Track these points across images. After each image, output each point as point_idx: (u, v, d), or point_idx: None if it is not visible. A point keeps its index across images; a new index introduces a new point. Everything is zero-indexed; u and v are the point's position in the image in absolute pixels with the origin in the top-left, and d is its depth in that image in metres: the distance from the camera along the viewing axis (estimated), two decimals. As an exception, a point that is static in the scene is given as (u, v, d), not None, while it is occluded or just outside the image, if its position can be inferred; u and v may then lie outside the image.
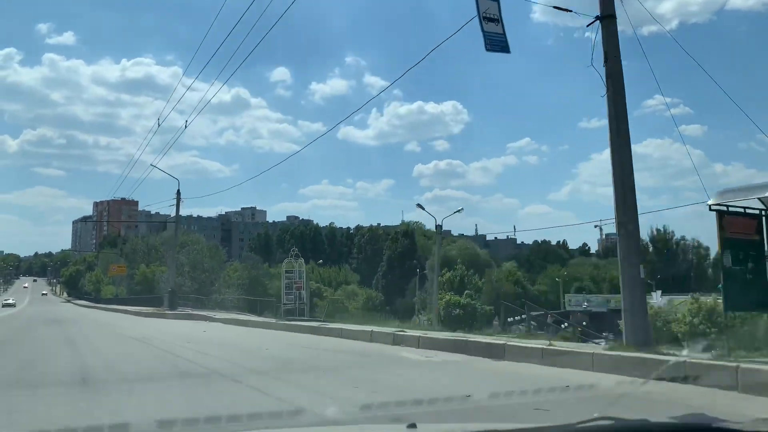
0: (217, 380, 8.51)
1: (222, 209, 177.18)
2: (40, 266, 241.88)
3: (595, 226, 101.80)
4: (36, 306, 68.03)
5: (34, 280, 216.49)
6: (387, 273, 78.97)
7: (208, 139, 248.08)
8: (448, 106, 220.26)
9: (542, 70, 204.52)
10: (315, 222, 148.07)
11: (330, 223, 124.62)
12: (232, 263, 68.53)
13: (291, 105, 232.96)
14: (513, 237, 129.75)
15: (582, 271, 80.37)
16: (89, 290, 79.14)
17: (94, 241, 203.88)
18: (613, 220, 10.48)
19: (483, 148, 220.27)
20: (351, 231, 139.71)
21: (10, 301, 69.40)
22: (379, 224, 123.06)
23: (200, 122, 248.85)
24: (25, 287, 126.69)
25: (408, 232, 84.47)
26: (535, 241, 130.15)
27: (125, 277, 62.96)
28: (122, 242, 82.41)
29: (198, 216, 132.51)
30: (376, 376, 8.94)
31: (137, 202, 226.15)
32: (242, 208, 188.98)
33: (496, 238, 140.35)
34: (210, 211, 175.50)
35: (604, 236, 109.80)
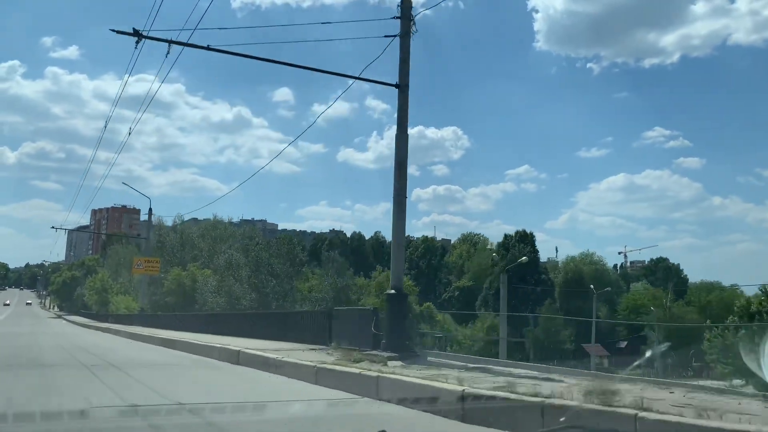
0: None
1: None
2: (30, 277, 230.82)
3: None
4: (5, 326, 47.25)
5: (21, 289, 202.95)
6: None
7: (208, 157, 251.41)
8: (448, 131, 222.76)
9: (543, 98, 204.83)
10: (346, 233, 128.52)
11: (376, 232, 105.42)
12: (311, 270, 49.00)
13: (292, 125, 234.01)
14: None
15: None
16: (90, 302, 58.57)
17: (91, 252, 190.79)
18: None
19: (482, 175, 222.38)
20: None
21: None
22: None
23: (201, 140, 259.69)
24: (6, 304, 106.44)
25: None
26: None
27: (150, 283, 42.66)
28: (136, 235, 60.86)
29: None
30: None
31: (139, 210, 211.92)
32: (253, 219, 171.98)
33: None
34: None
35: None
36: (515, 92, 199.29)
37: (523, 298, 64.74)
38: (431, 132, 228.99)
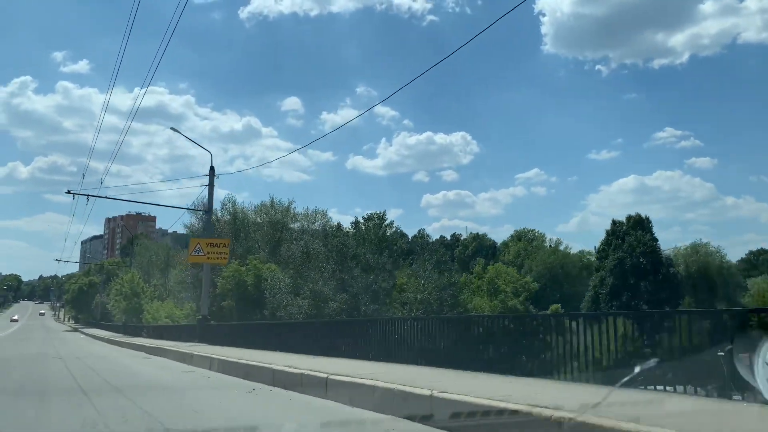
0: None
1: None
2: (44, 289, 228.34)
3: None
4: (12, 342, 36.17)
5: (35, 301, 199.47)
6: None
7: (218, 167, 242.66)
8: (457, 136, 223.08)
9: (552, 101, 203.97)
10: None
11: (419, 230, 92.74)
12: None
13: (302, 134, 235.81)
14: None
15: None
16: (115, 311, 46.20)
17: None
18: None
19: (492, 179, 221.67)
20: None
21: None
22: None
23: (211, 150, 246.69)
24: (14, 320, 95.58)
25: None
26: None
27: (192, 284, 30.90)
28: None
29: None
30: None
31: (155, 217, 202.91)
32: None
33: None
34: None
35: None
36: (523, 96, 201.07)
37: (642, 294, 52.24)
38: (440, 138, 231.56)
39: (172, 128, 23.66)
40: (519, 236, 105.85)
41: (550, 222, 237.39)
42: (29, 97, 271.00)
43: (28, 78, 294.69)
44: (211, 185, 24.46)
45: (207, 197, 24.41)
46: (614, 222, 57.88)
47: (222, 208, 42.10)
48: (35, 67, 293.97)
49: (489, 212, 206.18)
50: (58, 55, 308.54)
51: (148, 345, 22.81)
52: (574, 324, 8.70)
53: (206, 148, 25.36)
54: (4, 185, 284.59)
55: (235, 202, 42.46)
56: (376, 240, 36.69)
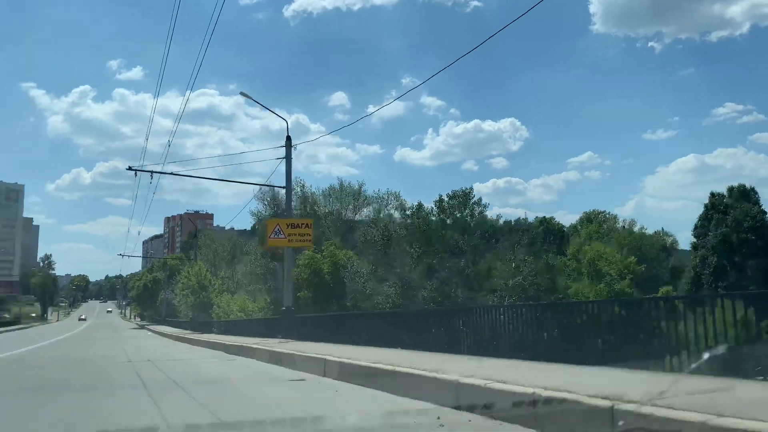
0: None
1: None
2: (110, 288, 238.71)
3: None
4: (79, 341, 33.98)
5: (101, 300, 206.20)
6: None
7: (269, 165, 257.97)
8: (505, 123, 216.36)
9: (603, 82, 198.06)
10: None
11: (497, 216, 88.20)
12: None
13: (349, 129, 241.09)
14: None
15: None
16: (182, 306, 43.71)
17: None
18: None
19: (543, 165, 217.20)
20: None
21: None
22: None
23: (262, 150, 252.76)
24: (81, 319, 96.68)
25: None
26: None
27: (265, 273, 27.97)
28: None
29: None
30: None
31: (212, 215, 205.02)
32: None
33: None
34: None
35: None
36: (573, 78, 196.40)
37: (751, 274, 46.51)
38: (488, 125, 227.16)
39: (242, 93, 20.14)
40: (589, 218, 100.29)
41: (606, 206, 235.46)
42: (89, 106, 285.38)
43: (87, 87, 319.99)
44: (288, 157, 21.14)
45: (285, 171, 21.07)
46: (713, 194, 51.97)
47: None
48: (93, 76, 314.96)
49: (541, 198, 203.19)
50: (113, 64, 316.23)
51: (226, 342, 19.73)
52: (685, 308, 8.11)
53: (281, 115, 22.03)
54: (69, 191, 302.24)
55: (303, 185, 39.52)
56: (462, 219, 32.77)
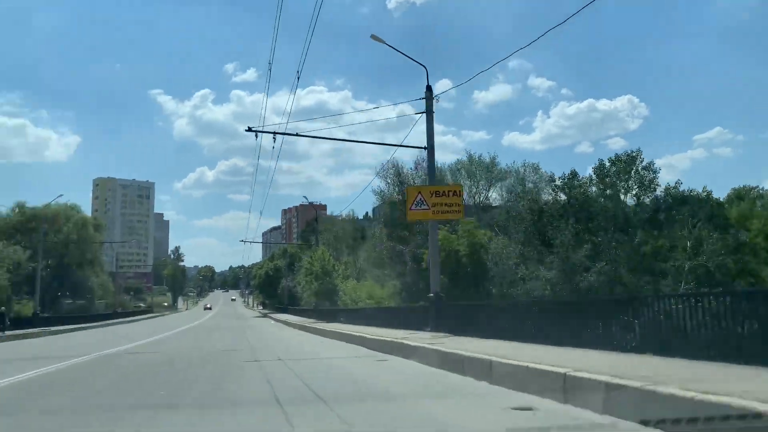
0: None
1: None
2: (234, 278, 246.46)
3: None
4: (204, 333, 32.52)
5: (225, 290, 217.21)
6: None
7: (376, 157, 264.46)
8: (622, 101, 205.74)
9: (732, 50, 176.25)
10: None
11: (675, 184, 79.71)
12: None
13: (454, 116, 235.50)
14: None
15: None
16: (305, 293, 41.21)
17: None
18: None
19: (665, 144, 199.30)
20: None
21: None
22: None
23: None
24: (207, 308, 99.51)
25: None
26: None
27: (391, 258, 24.85)
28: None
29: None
30: None
31: (326, 206, 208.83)
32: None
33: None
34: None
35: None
36: (696, 48, 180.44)
37: None
38: (603, 104, 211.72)
39: (373, 36, 16.56)
40: (739, 195, 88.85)
41: (738, 185, 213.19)
42: (209, 108, 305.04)
43: (207, 91, 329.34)
44: (429, 111, 17.38)
45: (426, 128, 17.31)
46: None
47: (415, 168, 35.79)
48: (212, 80, 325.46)
49: (664, 179, 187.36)
50: (230, 67, 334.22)
51: (363, 335, 16.41)
52: None
53: (418, 61, 18.26)
54: (195, 189, 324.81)
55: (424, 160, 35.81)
56: (626, 188, 27.47)
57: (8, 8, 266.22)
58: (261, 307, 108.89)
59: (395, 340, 13.34)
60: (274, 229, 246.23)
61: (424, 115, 17.81)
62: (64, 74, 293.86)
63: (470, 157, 36.51)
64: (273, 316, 57.00)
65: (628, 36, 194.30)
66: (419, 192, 17.26)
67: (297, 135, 18.25)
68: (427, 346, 11.08)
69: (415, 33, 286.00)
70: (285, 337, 22.61)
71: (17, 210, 51.90)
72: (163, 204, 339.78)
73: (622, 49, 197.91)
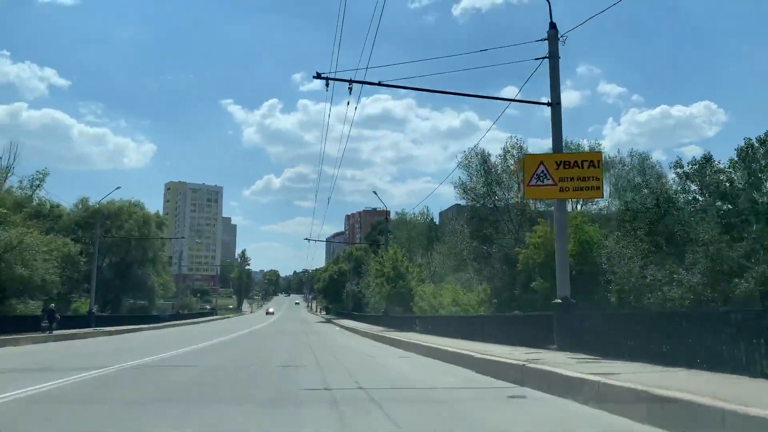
0: None
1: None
2: (297, 282, 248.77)
3: None
4: (260, 338, 29.01)
5: (288, 294, 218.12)
6: None
7: (440, 164, 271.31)
8: (699, 107, 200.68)
9: None
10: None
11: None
12: None
13: (520, 123, 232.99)
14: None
15: None
16: (374, 297, 36.83)
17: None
18: None
19: None
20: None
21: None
22: None
23: (432, 149, 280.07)
24: (269, 313, 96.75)
25: None
26: None
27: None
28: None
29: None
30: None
31: (389, 212, 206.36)
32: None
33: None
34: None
35: None
36: None
37: None
38: (677, 110, 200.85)
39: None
40: None
41: None
42: (277, 117, 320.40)
43: (275, 100, 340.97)
44: (554, 55, 13.01)
45: (549, 77, 12.96)
46: None
47: (504, 157, 31.06)
48: (280, 89, 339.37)
49: None
50: (297, 77, 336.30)
51: (468, 353, 12.13)
52: None
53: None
54: (262, 195, 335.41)
55: (520, 141, 30.76)
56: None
57: (93, 25, 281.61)
58: (324, 312, 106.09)
59: (519, 362, 9.06)
60: (338, 234, 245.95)
61: (546, 62, 13.44)
62: (141, 85, 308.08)
63: (566, 144, 31.67)
64: (337, 321, 53.51)
65: (706, 39, 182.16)
66: (541, 162, 12.84)
67: (378, 84, 14.21)
68: (602, 379, 6.71)
69: (480, 39, 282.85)
70: (356, 349, 18.60)
71: (80, 206, 50.60)
72: (232, 209, 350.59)
73: (699, 52, 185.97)
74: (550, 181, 12.77)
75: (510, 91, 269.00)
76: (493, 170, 30.96)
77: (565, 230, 13.13)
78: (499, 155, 31.39)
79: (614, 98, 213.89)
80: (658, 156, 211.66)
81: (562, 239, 12.95)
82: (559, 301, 12.49)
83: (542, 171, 12.85)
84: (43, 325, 27.30)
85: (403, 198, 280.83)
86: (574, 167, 12.77)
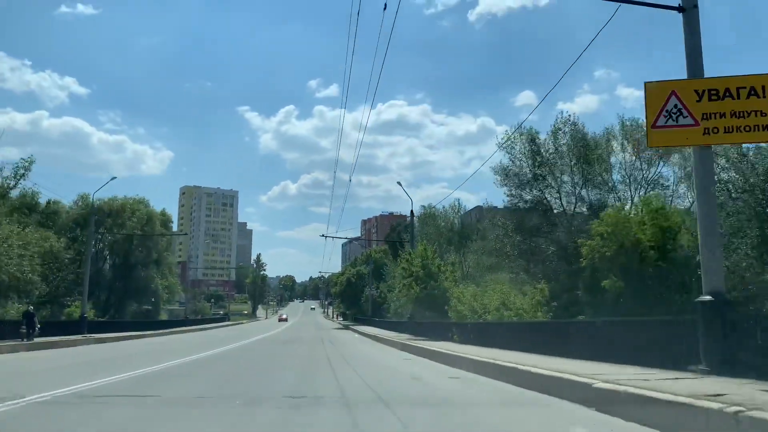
0: None
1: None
2: (313, 288, 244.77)
3: None
4: (267, 349, 24.51)
5: (302, 300, 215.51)
6: None
7: (456, 170, 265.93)
8: None
9: None
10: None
11: None
12: None
13: (537, 127, 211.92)
14: None
15: None
16: (400, 300, 32.03)
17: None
18: None
19: None
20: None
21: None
22: None
23: (448, 155, 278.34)
24: (282, 320, 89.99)
25: None
26: None
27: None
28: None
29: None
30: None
31: (406, 216, 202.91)
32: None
33: None
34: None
35: None
36: None
37: None
38: None
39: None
40: None
41: None
42: (293, 124, 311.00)
43: (291, 107, 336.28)
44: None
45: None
46: None
47: (553, 135, 26.56)
48: (296, 96, 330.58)
49: None
50: (313, 83, 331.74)
51: (571, 377, 7.91)
52: None
53: None
54: (279, 201, 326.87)
55: (573, 117, 26.45)
56: None
57: (113, 34, 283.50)
58: (341, 318, 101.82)
59: (718, 404, 4.83)
60: (354, 239, 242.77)
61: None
62: (159, 92, 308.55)
63: (622, 123, 27.32)
64: (356, 328, 49.30)
65: (717, 43, 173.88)
66: (673, 92, 8.57)
67: None
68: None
69: (496, 44, 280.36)
70: (390, 365, 14.37)
71: (80, 203, 46.92)
72: (249, 216, 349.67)
73: (718, 52, 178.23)
74: (690, 120, 8.49)
75: (527, 96, 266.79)
76: (542, 151, 26.48)
77: (712, 197, 8.77)
78: (548, 133, 27.01)
79: (633, 102, 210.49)
80: (675, 160, 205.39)
81: (707, 206, 8.63)
82: (708, 298, 8.18)
83: (675, 105, 8.58)
84: (21, 331, 23.63)
85: (416, 205, 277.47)
86: (725, 98, 8.47)
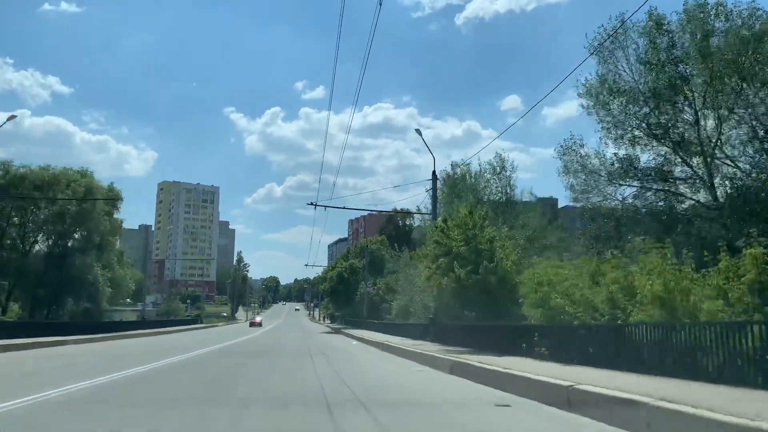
0: None
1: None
2: (298, 290, 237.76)
3: None
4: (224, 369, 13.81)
5: (283, 303, 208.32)
6: None
7: (441, 174, 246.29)
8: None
9: None
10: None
11: None
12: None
13: (522, 132, 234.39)
14: None
15: None
16: (431, 288, 22.09)
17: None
18: None
19: None
20: None
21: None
22: None
23: (435, 156, 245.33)
24: (255, 323, 75.00)
25: None
26: None
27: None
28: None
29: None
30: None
31: (394, 213, 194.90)
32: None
33: None
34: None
35: None
36: None
37: None
38: None
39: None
40: None
41: None
42: (279, 125, 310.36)
43: (278, 108, 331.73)
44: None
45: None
46: None
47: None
48: (282, 98, 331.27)
49: None
50: (299, 85, 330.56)
51: None
52: None
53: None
54: (264, 203, 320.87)
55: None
56: None
57: (97, 33, 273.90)
58: (329, 321, 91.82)
59: None
60: (341, 240, 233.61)
61: None
62: (144, 93, 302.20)
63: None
64: (351, 332, 39.74)
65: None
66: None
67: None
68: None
69: (483, 49, 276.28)
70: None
71: (2, 172, 36.68)
72: (234, 218, 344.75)
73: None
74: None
75: (513, 100, 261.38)
76: (677, 43, 16.74)
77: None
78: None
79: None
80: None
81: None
82: None
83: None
84: None
85: (404, 203, 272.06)
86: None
